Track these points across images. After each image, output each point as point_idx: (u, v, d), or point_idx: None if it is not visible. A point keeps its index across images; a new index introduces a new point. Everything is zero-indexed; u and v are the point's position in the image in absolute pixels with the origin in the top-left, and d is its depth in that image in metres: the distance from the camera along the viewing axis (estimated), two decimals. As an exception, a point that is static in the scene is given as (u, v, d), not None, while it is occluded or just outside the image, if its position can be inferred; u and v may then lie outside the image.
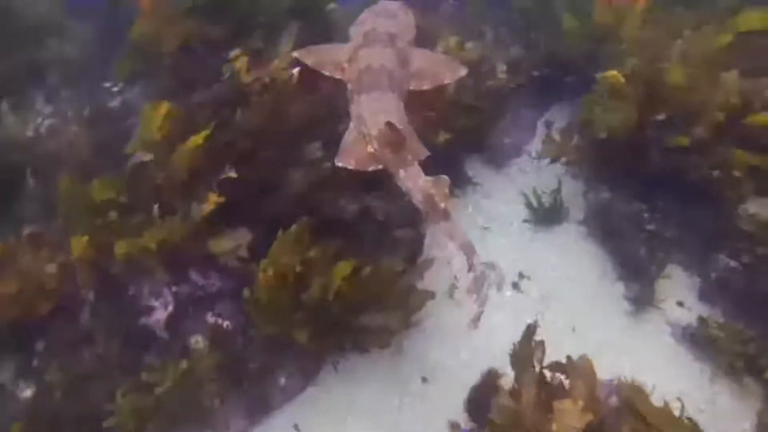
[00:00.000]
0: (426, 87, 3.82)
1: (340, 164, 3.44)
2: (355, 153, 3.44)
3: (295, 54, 4.03)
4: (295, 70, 4.60)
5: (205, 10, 5.40)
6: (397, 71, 3.74)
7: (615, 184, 5.41)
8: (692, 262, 5.13)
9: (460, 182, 5.98)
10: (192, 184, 4.41)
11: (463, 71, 3.90)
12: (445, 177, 3.23)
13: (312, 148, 4.43)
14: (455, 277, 3.34)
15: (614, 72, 5.00)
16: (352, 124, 3.66)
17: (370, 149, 3.41)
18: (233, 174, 4.26)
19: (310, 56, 4.01)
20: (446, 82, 3.88)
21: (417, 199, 3.25)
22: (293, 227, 4.09)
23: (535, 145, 6.36)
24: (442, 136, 5.23)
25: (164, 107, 4.42)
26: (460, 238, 3.19)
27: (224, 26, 5.35)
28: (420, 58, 3.98)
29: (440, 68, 3.91)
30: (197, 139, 4.30)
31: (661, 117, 4.76)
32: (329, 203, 4.41)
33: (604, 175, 5.54)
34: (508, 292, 5.16)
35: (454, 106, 5.36)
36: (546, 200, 5.74)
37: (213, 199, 4.28)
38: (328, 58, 3.99)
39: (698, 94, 4.65)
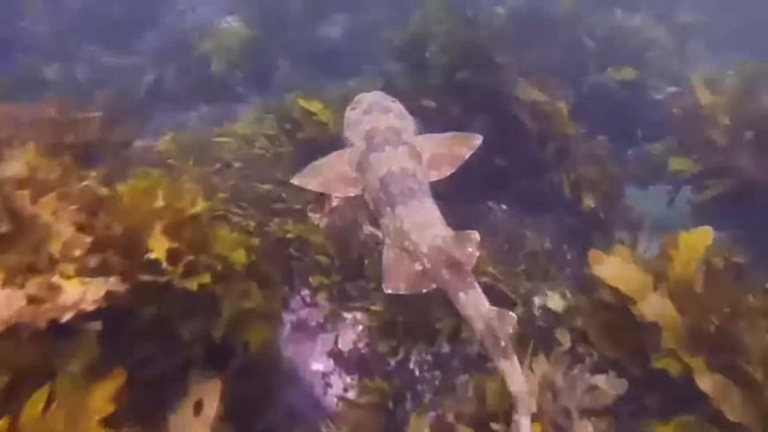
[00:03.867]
0: (448, 172, 3.53)
1: (389, 291, 3.06)
2: (402, 274, 3.09)
3: (295, 182, 3.54)
4: None
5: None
6: (418, 170, 3.45)
7: None
8: None
9: None
10: None
11: (478, 139, 3.63)
12: (512, 314, 2.85)
13: None
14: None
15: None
16: (387, 240, 3.26)
17: (418, 267, 3.06)
18: None
19: (311, 179, 3.52)
20: (466, 157, 3.58)
21: (477, 328, 2.88)
22: None
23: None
24: None
25: None
26: (517, 383, 2.75)
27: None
28: (429, 146, 3.66)
29: (454, 146, 3.65)
30: None
31: None
32: None
33: None
34: None
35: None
36: None
37: None
38: (333, 175, 3.55)
39: None
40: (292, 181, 3.54)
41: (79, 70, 7.77)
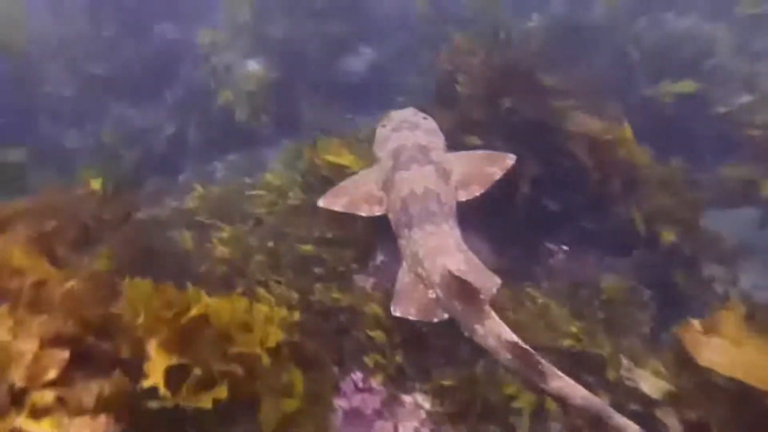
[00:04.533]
0: (478, 192, 3.35)
1: (398, 314, 2.99)
2: (414, 300, 2.99)
3: (322, 204, 3.47)
4: None
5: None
6: (443, 191, 3.30)
7: None
8: None
9: None
10: None
11: (511, 159, 3.46)
12: (529, 348, 2.63)
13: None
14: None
15: None
16: (405, 264, 3.16)
17: (432, 295, 2.97)
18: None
19: (338, 199, 3.45)
20: (497, 177, 3.39)
21: (505, 358, 2.70)
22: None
23: None
24: None
25: None
26: (582, 393, 2.55)
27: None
28: (460, 163, 3.50)
29: (485, 165, 3.46)
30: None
31: None
32: None
33: None
34: None
35: None
36: None
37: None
38: (359, 194, 3.46)
39: None
40: (318, 203, 3.50)
41: (105, 132, 7.63)
